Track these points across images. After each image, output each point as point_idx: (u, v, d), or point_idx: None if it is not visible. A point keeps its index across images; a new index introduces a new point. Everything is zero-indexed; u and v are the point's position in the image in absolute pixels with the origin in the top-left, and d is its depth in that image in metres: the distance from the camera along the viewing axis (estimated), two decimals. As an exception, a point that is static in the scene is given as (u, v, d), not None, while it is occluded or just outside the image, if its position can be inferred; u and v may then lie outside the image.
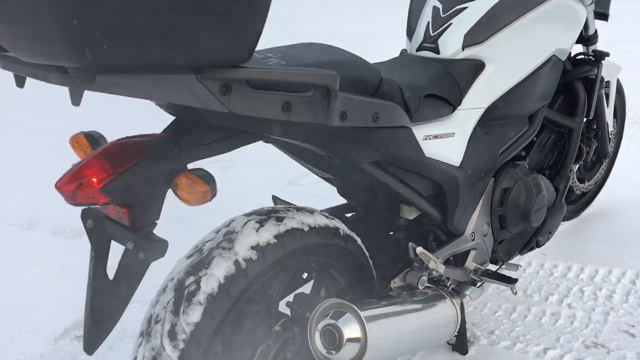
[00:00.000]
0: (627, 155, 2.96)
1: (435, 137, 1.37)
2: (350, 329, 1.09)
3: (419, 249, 1.32)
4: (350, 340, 1.09)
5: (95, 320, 1.02)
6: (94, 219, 1.03)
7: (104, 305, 1.02)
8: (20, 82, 0.89)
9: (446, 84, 1.42)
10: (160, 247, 0.98)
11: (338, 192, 1.61)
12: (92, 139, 1.04)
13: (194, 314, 1.00)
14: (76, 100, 0.75)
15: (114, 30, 0.69)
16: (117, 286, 1.01)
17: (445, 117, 1.41)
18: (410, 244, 1.34)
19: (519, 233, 1.69)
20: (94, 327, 1.03)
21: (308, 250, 1.18)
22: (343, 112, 1.08)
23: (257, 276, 1.08)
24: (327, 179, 1.57)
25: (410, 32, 1.61)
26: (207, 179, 0.97)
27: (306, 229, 1.16)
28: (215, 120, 0.97)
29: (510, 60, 1.53)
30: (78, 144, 1.05)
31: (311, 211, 1.22)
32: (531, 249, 1.80)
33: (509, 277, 1.51)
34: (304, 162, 1.46)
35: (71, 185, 0.93)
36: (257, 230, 1.09)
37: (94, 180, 0.93)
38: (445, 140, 1.40)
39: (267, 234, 1.10)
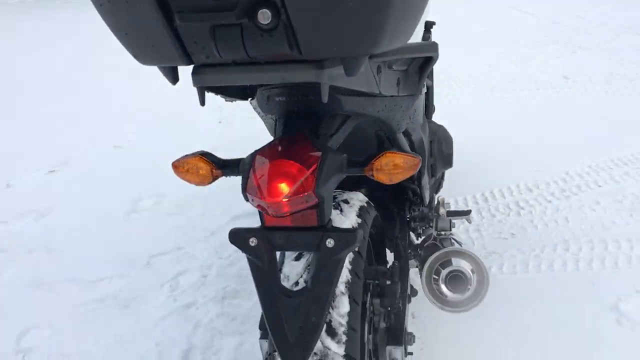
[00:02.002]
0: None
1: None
2: (476, 272, 1.21)
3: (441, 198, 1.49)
4: (478, 282, 1.22)
5: (295, 339, 0.94)
6: (256, 237, 0.94)
7: (297, 320, 0.94)
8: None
9: None
10: (354, 236, 0.93)
11: None
12: (211, 157, 1.00)
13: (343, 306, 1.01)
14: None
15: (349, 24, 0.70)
16: (314, 294, 0.94)
17: None
18: (439, 197, 1.48)
19: (438, 179, 1.94)
20: (295, 346, 0.94)
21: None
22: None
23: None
24: None
25: None
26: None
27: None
28: (331, 110, 0.98)
29: None
30: (195, 167, 0.99)
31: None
32: (437, 191, 2.06)
33: (466, 210, 1.68)
34: None
35: (288, 193, 0.86)
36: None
37: (304, 183, 0.87)
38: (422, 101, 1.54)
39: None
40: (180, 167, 0.99)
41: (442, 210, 1.54)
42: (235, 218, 2.68)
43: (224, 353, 1.86)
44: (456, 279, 1.18)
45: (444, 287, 1.19)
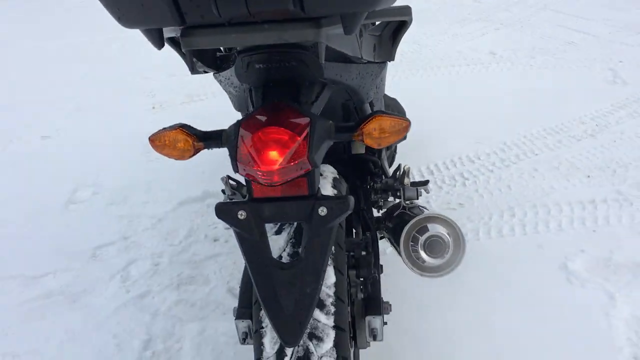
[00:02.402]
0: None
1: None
2: (452, 236, 1.22)
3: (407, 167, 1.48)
4: (455, 245, 1.21)
5: (291, 311, 0.93)
6: (245, 210, 0.91)
7: (292, 293, 0.93)
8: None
9: None
10: (347, 203, 0.92)
11: None
12: (190, 129, 0.95)
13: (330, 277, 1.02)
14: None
15: None
16: (308, 265, 0.92)
17: None
18: (405, 166, 1.48)
19: (392, 151, 2.05)
20: (291, 318, 0.93)
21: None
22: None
23: None
24: None
25: None
26: (401, 113, 0.94)
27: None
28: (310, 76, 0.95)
29: None
30: (174, 141, 0.93)
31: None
32: (390, 164, 2.19)
33: (424, 180, 1.68)
34: None
35: (282, 160, 0.84)
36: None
37: (298, 149, 0.85)
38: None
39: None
40: (158, 140, 0.93)
41: (406, 180, 1.55)
42: (182, 204, 2.60)
43: (186, 340, 1.80)
44: (434, 244, 1.19)
45: (423, 253, 1.19)
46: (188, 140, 0.92)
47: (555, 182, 2.60)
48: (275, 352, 0.98)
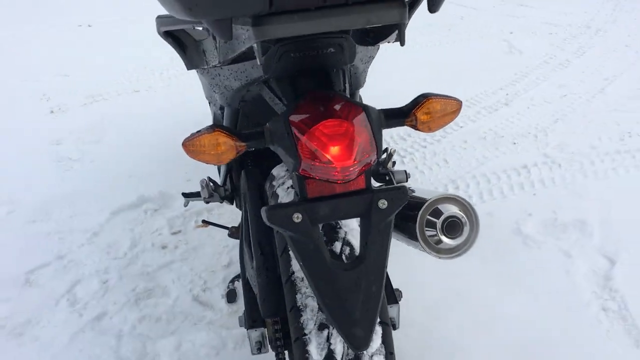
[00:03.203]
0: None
1: None
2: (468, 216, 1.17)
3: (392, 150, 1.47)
4: (471, 225, 1.18)
5: (359, 313, 0.87)
6: (300, 212, 0.84)
7: (358, 294, 0.86)
8: None
9: None
10: (405, 192, 0.88)
11: None
12: (227, 130, 0.86)
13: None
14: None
15: None
16: (371, 262, 0.87)
17: None
18: (391, 149, 1.45)
19: None
20: (360, 321, 0.87)
21: None
22: None
23: None
24: None
25: None
26: (451, 96, 0.90)
27: None
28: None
29: None
30: (213, 144, 0.84)
31: None
32: None
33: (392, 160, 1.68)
34: None
35: (357, 154, 0.79)
36: None
37: (365, 142, 0.80)
38: None
39: None
40: (192, 146, 0.83)
41: (390, 164, 1.52)
42: (116, 213, 2.40)
43: (163, 358, 1.68)
44: (453, 225, 1.18)
45: (443, 237, 1.18)
46: (229, 141, 0.83)
47: (486, 151, 2.71)
48: (324, 359, 0.93)
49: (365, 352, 0.95)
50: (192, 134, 0.84)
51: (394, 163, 1.64)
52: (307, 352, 0.94)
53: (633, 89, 3.36)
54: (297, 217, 0.84)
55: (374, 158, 0.82)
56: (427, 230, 1.19)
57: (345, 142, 0.78)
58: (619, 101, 3.20)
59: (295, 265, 0.99)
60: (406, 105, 0.90)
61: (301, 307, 0.95)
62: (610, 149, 2.64)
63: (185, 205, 1.77)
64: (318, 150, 0.78)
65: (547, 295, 1.82)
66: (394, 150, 1.46)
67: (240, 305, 1.84)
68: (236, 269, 2.01)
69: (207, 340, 1.72)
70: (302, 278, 0.97)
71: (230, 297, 1.85)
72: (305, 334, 0.95)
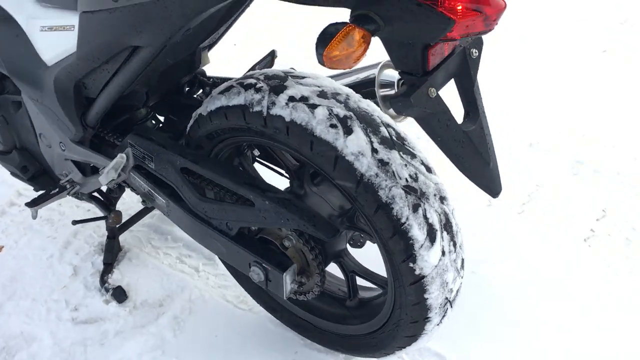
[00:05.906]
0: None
1: None
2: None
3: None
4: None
5: (492, 160, 0.97)
6: (432, 86, 0.86)
7: (486, 144, 0.96)
8: None
9: None
10: (481, 39, 0.94)
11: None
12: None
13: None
14: None
15: None
16: (478, 111, 0.96)
17: None
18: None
19: None
20: (494, 167, 0.98)
21: None
22: None
23: None
24: None
25: None
26: None
27: None
28: None
29: None
30: (353, 39, 0.78)
31: None
32: None
33: (267, 54, 1.66)
34: None
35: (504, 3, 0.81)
36: None
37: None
38: None
39: None
40: (336, 50, 0.77)
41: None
42: (11, 205, 1.85)
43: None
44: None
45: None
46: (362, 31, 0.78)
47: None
48: (427, 235, 0.95)
49: (452, 219, 1.01)
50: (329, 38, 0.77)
51: (271, 53, 1.60)
52: (410, 238, 0.94)
53: None
54: (432, 92, 0.86)
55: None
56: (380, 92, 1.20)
57: None
58: None
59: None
60: None
61: (388, 200, 0.93)
62: None
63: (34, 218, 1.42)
64: (480, 5, 0.77)
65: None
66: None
67: (134, 295, 1.50)
68: (97, 265, 1.60)
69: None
70: (372, 175, 0.94)
71: (119, 295, 1.52)
72: (402, 223, 0.94)
